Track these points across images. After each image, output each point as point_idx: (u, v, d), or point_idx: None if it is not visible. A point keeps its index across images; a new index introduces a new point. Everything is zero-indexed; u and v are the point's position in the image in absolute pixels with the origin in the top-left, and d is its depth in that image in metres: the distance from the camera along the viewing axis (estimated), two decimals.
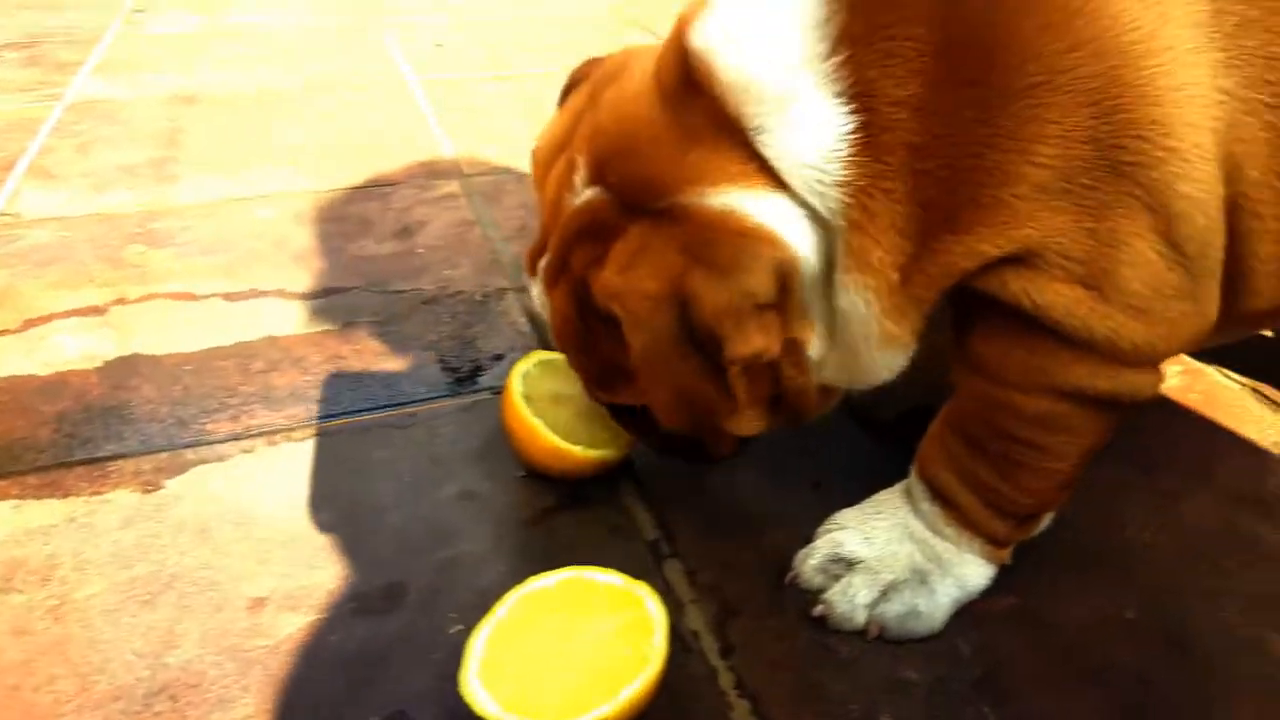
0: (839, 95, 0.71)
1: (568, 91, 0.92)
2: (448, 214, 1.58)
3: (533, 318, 1.29)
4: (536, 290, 0.87)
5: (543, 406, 0.98)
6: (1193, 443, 1.09)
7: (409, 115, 2.01)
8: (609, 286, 0.76)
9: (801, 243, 0.74)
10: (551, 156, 0.86)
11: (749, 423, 0.83)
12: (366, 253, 1.45)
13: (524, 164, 1.76)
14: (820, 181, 0.72)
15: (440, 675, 0.78)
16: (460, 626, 0.82)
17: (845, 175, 0.71)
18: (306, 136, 1.88)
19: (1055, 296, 0.71)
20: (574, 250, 0.80)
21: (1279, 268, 0.76)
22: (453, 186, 1.68)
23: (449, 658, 0.78)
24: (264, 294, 1.33)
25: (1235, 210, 0.72)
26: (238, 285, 1.35)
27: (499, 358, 1.20)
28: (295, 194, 1.64)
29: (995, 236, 0.70)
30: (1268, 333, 1.29)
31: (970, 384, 0.80)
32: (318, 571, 0.88)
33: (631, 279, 0.75)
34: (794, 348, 0.79)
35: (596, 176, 0.79)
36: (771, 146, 0.73)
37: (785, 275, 0.74)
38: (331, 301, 1.32)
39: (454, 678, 0.72)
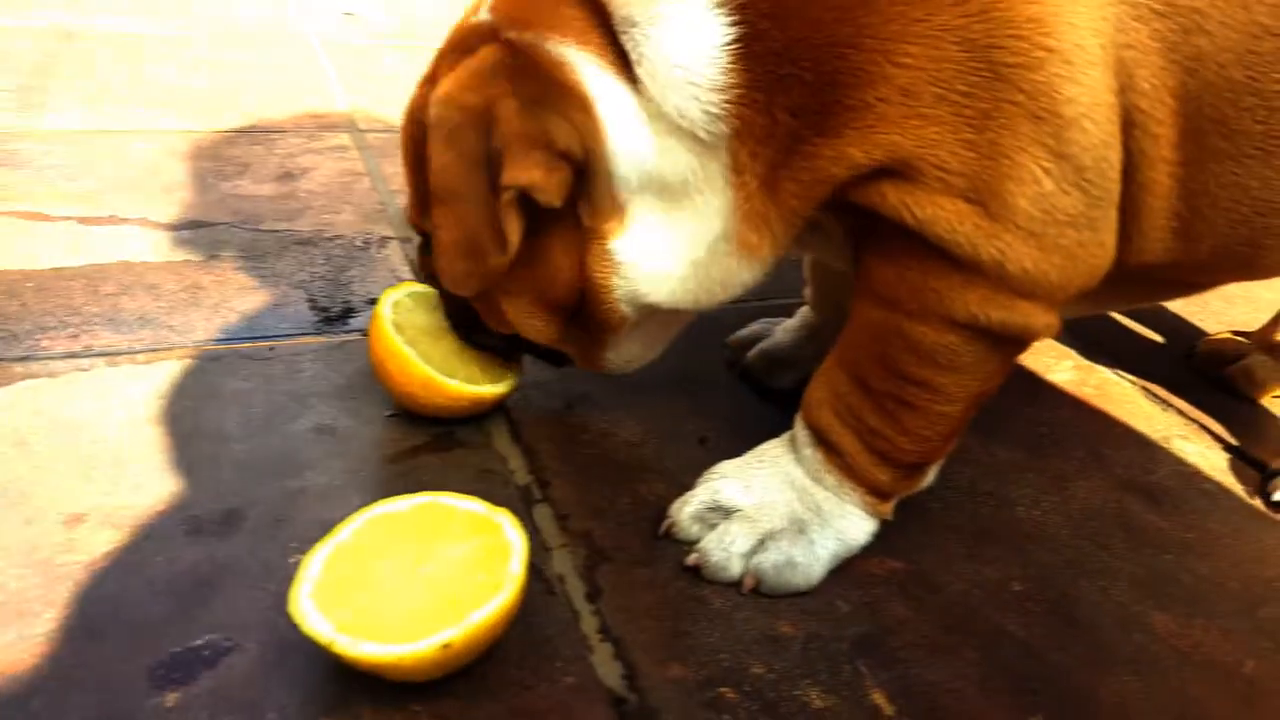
0: (719, 5, 0.70)
1: None
2: (335, 164, 1.51)
3: (415, 266, 1.23)
4: None
5: (415, 337, 0.92)
6: (1085, 432, 1.09)
7: (307, 72, 1.93)
8: (438, 93, 0.76)
9: (622, 137, 0.74)
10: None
11: (529, 315, 0.82)
12: (242, 192, 1.37)
13: None
14: (693, 84, 0.71)
15: (274, 605, 0.71)
16: (300, 556, 0.75)
17: (721, 82, 0.70)
18: (192, 81, 1.78)
19: (936, 210, 0.67)
20: (442, 62, 0.81)
21: (1169, 207, 0.73)
22: (343, 139, 1.61)
23: (285, 588, 0.71)
24: (124, 221, 1.24)
25: (1130, 127, 0.69)
26: (97, 211, 1.25)
27: (374, 301, 1.14)
28: (172, 132, 1.54)
29: (862, 141, 0.67)
30: (1159, 338, 1.32)
31: (864, 311, 0.77)
32: (146, 492, 0.80)
33: (457, 90, 0.75)
34: (597, 236, 0.77)
35: (492, 7, 0.79)
36: (637, 42, 0.72)
37: (589, 148, 0.74)
38: (197, 234, 1.23)
39: (287, 605, 0.66)
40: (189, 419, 0.90)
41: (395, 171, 1.51)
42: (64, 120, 1.53)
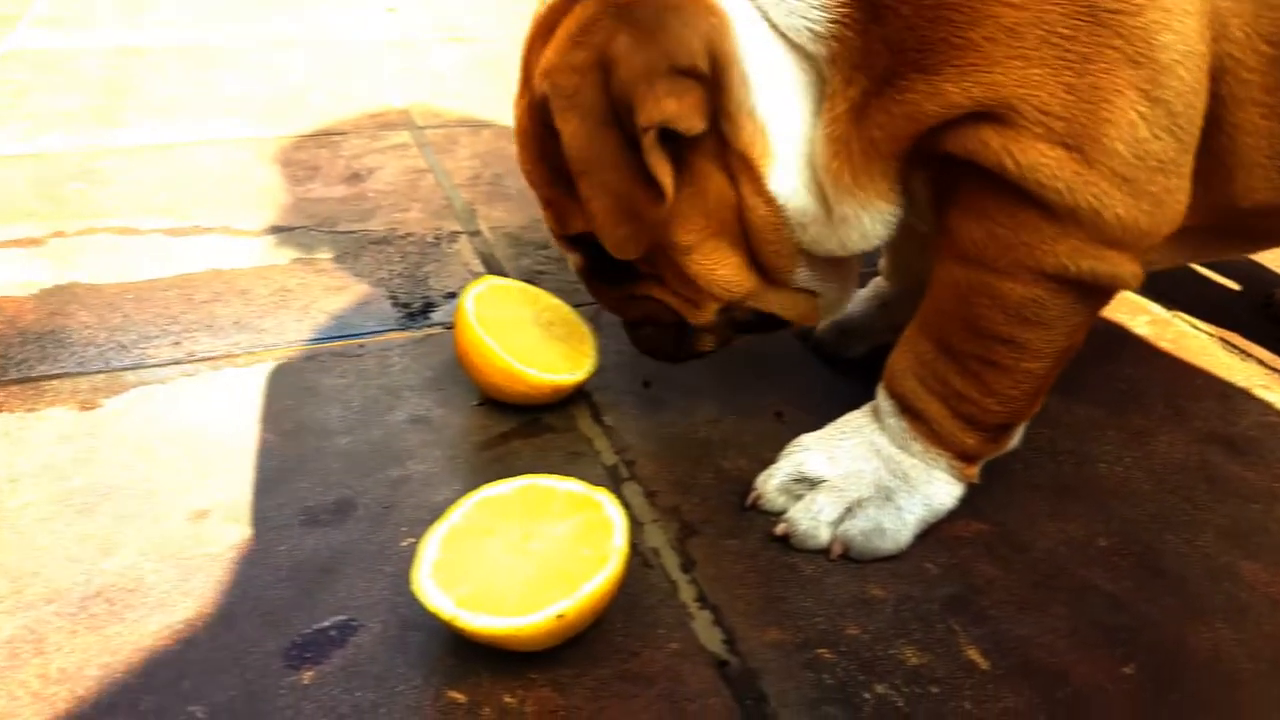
0: None
1: None
2: (399, 162, 1.55)
3: (486, 260, 1.27)
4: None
5: (497, 330, 0.96)
6: (1164, 386, 1.09)
7: (360, 72, 1.98)
8: (543, 65, 0.74)
9: (749, 35, 0.73)
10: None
11: (714, 264, 0.80)
12: (315, 195, 1.42)
13: (478, 118, 1.75)
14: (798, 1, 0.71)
15: (391, 586, 0.76)
16: (411, 540, 0.80)
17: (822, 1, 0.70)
18: (253, 89, 1.84)
19: (1039, 158, 0.68)
20: (532, 55, 0.78)
21: (1271, 145, 0.73)
22: (404, 137, 1.65)
23: (400, 570, 0.76)
24: (208, 230, 1.29)
25: (1221, 73, 0.70)
26: (181, 222, 1.31)
27: (452, 295, 1.18)
28: (241, 140, 1.60)
29: (961, 79, 0.68)
30: (1236, 285, 1.31)
31: (948, 272, 0.77)
32: (262, 487, 0.85)
33: (563, 53, 0.73)
34: (746, 165, 0.77)
35: None
36: None
37: (716, 48, 0.72)
38: (278, 239, 1.28)
39: (406, 587, 0.71)
40: (292, 416, 0.94)
41: (456, 167, 1.55)
42: (140, 135, 1.59)
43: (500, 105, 1.81)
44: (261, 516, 0.82)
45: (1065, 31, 0.66)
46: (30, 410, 0.93)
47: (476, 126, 1.71)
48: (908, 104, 0.70)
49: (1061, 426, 1.00)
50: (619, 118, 0.72)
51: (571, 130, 0.73)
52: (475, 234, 1.33)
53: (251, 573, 0.76)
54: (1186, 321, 1.22)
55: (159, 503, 0.82)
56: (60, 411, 0.93)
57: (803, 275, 0.85)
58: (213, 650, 0.70)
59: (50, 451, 0.88)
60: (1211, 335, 1.19)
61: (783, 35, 0.73)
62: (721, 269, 0.82)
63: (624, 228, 0.76)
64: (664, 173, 0.73)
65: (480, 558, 0.71)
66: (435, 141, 1.64)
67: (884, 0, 0.69)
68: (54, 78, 1.82)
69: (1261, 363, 1.14)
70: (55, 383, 0.97)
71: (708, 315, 0.88)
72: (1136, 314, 1.23)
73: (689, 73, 0.71)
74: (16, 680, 0.67)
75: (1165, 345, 1.17)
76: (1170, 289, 1.28)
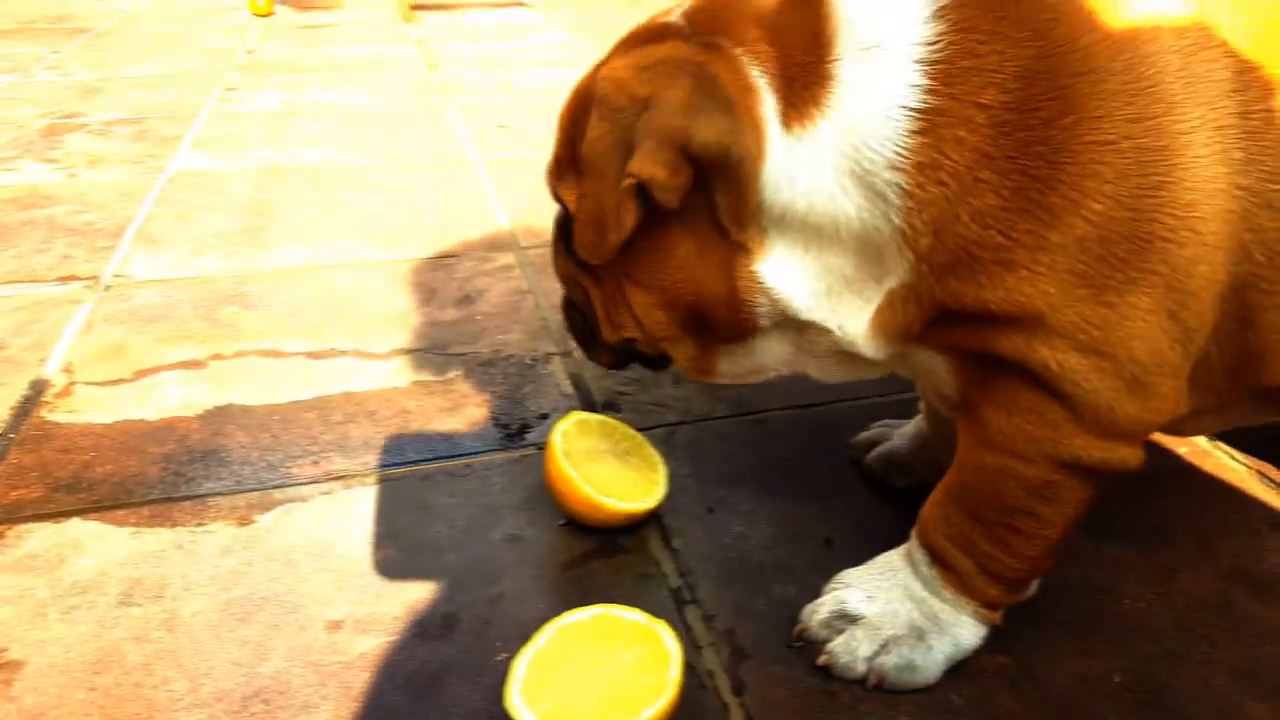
0: (922, 64, 0.75)
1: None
2: (504, 284, 1.74)
3: (575, 380, 1.43)
4: None
5: (580, 461, 1.12)
6: (1195, 521, 1.15)
7: (472, 190, 2.20)
8: (613, 72, 0.82)
9: (784, 161, 0.79)
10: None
11: (654, 307, 0.90)
12: (432, 318, 1.61)
13: None
14: (875, 138, 0.76)
15: (488, 697, 0.90)
16: (505, 654, 0.95)
17: (902, 146, 0.76)
18: (381, 209, 2.07)
19: (1078, 364, 0.77)
20: (621, 48, 0.87)
21: None
22: (508, 258, 1.85)
23: (496, 681, 0.91)
24: (342, 353, 1.49)
25: (1244, 288, 0.78)
26: (319, 345, 1.52)
27: (544, 417, 1.34)
28: (370, 263, 1.81)
29: (1018, 284, 0.75)
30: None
31: (974, 457, 0.87)
32: (385, 600, 1.02)
33: (630, 74, 0.81)
34: (745, 252, 0.84)
35: (685, 13, 0.85)
36: (843, 83, 0.78)
37: (735, 157, 0.78)
38: (401, 362, 1.48)
39: (499, 699, 0.85)
40: (410, 533, 1.12)
41: (553, 287, 1.72)
42: (282, 258, 1.83)
43: None
44: (383, 627, 0.98)
45: (1120, 254, 0.74)
46: (199, 525, 1.12)
47: None
48: (952, 291, 0.78)
49: (1091, 564, 1.07)
50: (629, 148, 0.80)
51: (595, 136, 0.82)
52: (566, 355, 1.50)
53: (374, 680, 0.92)
54: (1226, 453, 1.26)
55: (302, 614, 1.00)
56: (222, 526, 1.12)
57: (750, 345, 0.93)
58: None
59: (215, 563, 1.06)
60: (1250, 468, 1.23)
61: (855, 172, 0.79)
62: (660, 313, 0.91)
63: (590, 235, 0.85)
64: (629, 216, 0.82)
65: (560, 679, 0.86)
66: (536, 261, 1.83)
67: (983, 175, 0.75)
68: (212, 199, 2.08)
69: None
70: (218, 499, 1.17)
71: (614, 337, 0.98)
72: (1177, 444, 1.29)
73: (697, 157, 0.78)
74: None
75: (1202, 478, 1.22)
76: None
